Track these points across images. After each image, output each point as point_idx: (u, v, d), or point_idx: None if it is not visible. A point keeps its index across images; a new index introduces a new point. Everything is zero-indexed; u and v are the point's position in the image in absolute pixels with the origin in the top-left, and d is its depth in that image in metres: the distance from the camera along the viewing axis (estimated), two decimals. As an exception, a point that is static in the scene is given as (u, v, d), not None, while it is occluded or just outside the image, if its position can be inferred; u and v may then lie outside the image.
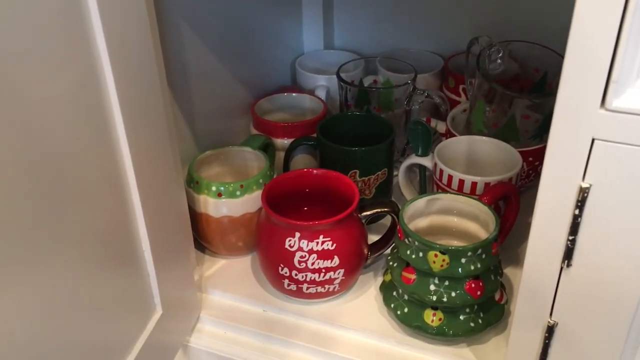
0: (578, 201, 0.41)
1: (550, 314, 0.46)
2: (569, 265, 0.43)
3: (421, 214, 0.60)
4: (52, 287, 0.40)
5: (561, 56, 0.70)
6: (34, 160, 0.37)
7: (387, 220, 0.70)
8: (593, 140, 0.39)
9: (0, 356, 0.36)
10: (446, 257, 0.53)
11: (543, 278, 0.45)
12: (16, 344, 0.38)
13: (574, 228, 0.42)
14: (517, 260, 0.67)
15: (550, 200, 0.42)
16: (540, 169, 0.71)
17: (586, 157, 0.39)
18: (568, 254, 0.43)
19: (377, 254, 0.64)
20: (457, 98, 0.83)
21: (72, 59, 0.40)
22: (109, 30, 0.41)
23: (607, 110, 0.37)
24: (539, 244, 0.44)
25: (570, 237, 0.42)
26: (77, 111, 0.41)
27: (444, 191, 0.65)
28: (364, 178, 0.68)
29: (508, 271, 0.64)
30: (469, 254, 0.53)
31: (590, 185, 0.40)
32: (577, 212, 0.41)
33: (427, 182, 0.71)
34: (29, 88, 0.36)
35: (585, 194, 0.40)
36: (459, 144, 0.69)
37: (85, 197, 0.43)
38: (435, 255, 0.53)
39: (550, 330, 0.47)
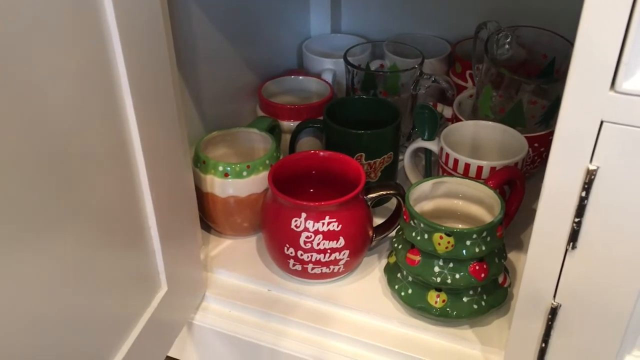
0: (585, 183, 0.41)
1: (554, 296, 0.47)
2: (574, 247, 0.44)
3: (427, 196, 0.60)
4: (60, 260, 0.41)
5: (569, 42, 0.71)
6: (44, 136, 0.38)
7: (391, 204, 0.71)
8: (602, 122, 0.39)
9: (11, 324, 0.37)
10: (451, 239, 0.53)
11: (548, 259, 0.45)
12: (24, 315, 0.38)
13: (580, 210, 0.42)
14: (520, 245, 0.67)
15: (557, 182, 0.42)
16: (546, 155, 0.72)
17: (594, 139, 0.40)
18: (573, 236, 0.43)
19: (381, 237, 0.64)
20: (463, 84, 0.83)
21: (81, 34, 0.40)
22: (119, 6, 0.41)
23: (616, 92, 0.37)
24: (544, 226, 0.44)
25: (576, 220, 0.43)
26: (86, 86, 0.41)
27: (450, 175, 0.65)
28: (369, 161, 0.69)
29: (511, 256, 0.65)
30: (474, 236, 0.53)
31: (598, 167, 0.40)
32: (583, 194, 0.41)
33: (432, 167, 0.72)
34: (38, 63, 0.36)
35: (593, 176, 0.41)
36: (466, 129, 0.69)
37: (93, 172, 0.43)
38: (441, 237, 0.53)
39: (553, 312, 0.47)
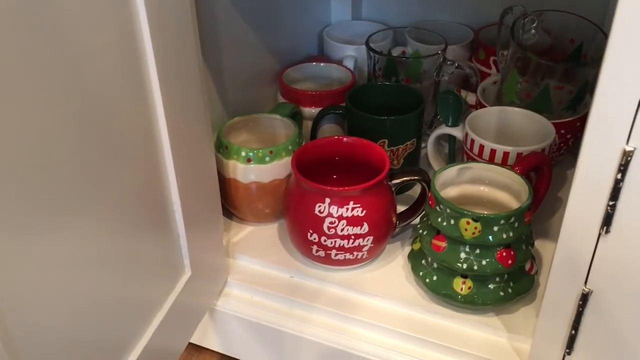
0: (621, 165, 0.40)
1: (585, 282, 0.46)
2: (607, 231, 0.43)
3: (452, 182, 0.59)
4: (85, 244, 0.41)
5: (597, 26, 0.69)
6: (73, 117, 0.38)
7: (414, 192, 0.70)
8: (640, 102, 0.38)
9: (37, 308, 0.37)
10: (478, 225, 0.52)
11: (580, 244, 0.44)
12: (50, 299, 0.38)
13: (615, 193, 0.41)
14: (546, 232, 0.66)
15: (592, 164, 0.41)
16: (572, 141, 0.71)
17: (632, 119, 0.39)
18: (607, 220, 0.42)
19: (405, 223, 0.64)
20: (487, 70, 0.82)
21: (111, 13, 0.40)
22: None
23: (656, 70, 0.36)
24: (577, 209, 0.43)
25: (611, 203, 0.42)
26: (115, 66, 0.41)
27: (475, 161, 0.64)
28: (392, 148, 0.68)
29: (538, 243, 0.64)
30: (502, 221, 0.52)
31: (635, 148, 0.39)
32: (619, 176, 0.40)
33: (455, 154, 0.71)
34: (74, 39, 0.36)
35: (629, 158, 0.39)
36: (490, 115, 0.68)
37: (120, 156, 0.43)
38: (467, 223, 0.53)
39: (584, 298, 0.46)
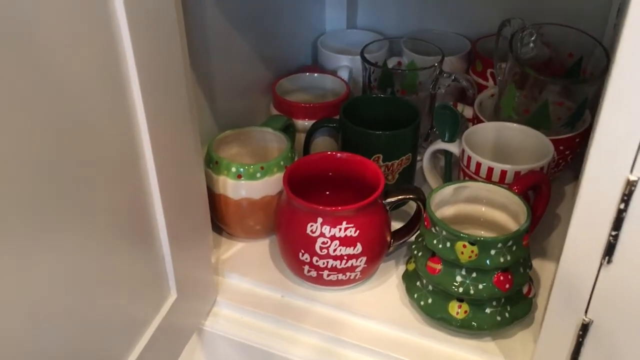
0: (624, 195, 0.38)
1: (586, 312, 0.44)
2: (609, 261, 0.41)
3: (448, 201, 0.58)
4: (64, 261, 0.39)
5: (597, 41, 0.68)
6: (59, 129, 0.36)
7: (408, 207, 0.68)
8: (645, 130, 0.36)
9: (16, 324, 0.36)
10: (475, 248, 0.51)
11: (580, 273, 0.43)
12: (28, 316, 0.37)
13: (618, 223, 0.40)
14: (543, 252, 0.64)
15: (594, 193, 0.40)
16: (571, 158, 0.69)
17: (636, 149, 0.37)
18: (609, 250, 0.41)
19: (400, 242, 0.62)
20: (484, 82, 0.81)
21: (90, 25, 0.38)
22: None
23: (662, 99, 0.35)
24: (578, 238, 0.42)
25: (613, 233, 0.40)
26: (94, 80, 0.39)
27: (471, 179, 0.62)
28: (387, 163, 0.66)
29: (535, 263, 0.62)
30: (499, 245, 0.51)
31: (639, 178, 0.38)
32: (622, 206, 0.39)
33: (451, 169, 0.69)
34: (50, 52, 0.35)
35: (633, 188, 0.38)
36: (488, 131, 0.66)
37: (100, 169, 0.41)
38: (464, 246, 0.51)
39: (584, 329, 0.45)
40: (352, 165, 0.61)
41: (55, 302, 0.39)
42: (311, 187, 0.61)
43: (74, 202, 0.39)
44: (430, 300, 0.55)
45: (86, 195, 0.40)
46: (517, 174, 0.60)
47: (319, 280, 0.59)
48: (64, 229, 0.38)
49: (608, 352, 0.45)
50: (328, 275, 0.58)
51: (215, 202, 0.63)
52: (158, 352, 0.52)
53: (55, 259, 0.38)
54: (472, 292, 0.52)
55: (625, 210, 0.39)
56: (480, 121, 0.69)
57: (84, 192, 0.39)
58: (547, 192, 0.60)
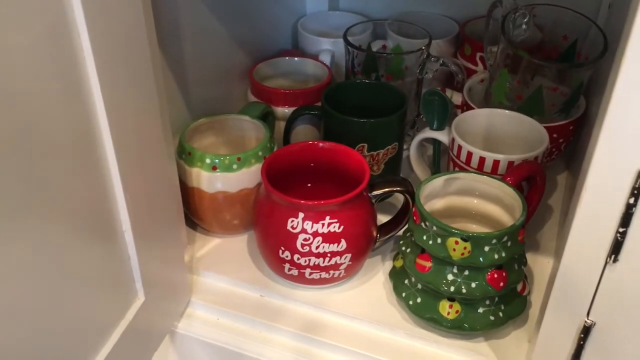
0: (634, 188, 0.35)
1: (588, 314, 0.41)
2: (615, 260, 0.38)
3: (438, 194, 0.54)
4: (20, 259, 0.35)
5: (593, 22, 0.64)
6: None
7: (395, 199, 0.65)
8: (659, 118, 0.33)
9: None
10: (468, 245, 0.47)
11: (584, 273, 0.40)
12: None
13: (626, 219, 0.36)
14: (536, 246, 0.61)
15: (602, 186, 0.36)
16: (565, 146, 0.66)
17: (648, 138, 0.34)
18: (616, 248, 0.38)
19: (386, 237, 0.58)
20: (473, 67, 0.77)
21: (35, 4, 0.33)
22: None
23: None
24: (582, 235, 0.38)
25: (621, 229, 0.37)
26: (42, 65, 0.34)
27: (462, 169, 0.59)
28: (372, 153, 0.62)
29: (528, 257, 0.59)
30: (494, 241, 0.47)
31: (651, 170, 0.34)
32: (632, 201, 0.36)
33: (440, 158, 0.66)
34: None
35: (644, 181, 0.35)
36: (479, 118, 0.63)
37: (53, 161, 0.37)
38: (456, 242, 0.47)
39: (586, 331, 0.42)
40: (335, 155, 0.57)
41: (7, 303, 0.35)
42: (292, 179, 0.57)
43: (25, 196, 0.35)
44: (419, 300, 0.52)
45: (38, 188, 0.36)
46: (510, 164, 0.56)
47: (300, 279, 0.55)
48: (16, 223, 0.34)
49: (610, 356, 0.42)
50: (310, 274, 0.54)
51: (189, 196, 0.59)
52: (124, 358, 0.48)
53: (7, 257, 0.34)
54: (464, 291, 0.49)
55: (635, 205, 0.36)
56: (470, 108, 0.66)
57: (35, 185, 0.36)
58: (542, 184, 0.56)
